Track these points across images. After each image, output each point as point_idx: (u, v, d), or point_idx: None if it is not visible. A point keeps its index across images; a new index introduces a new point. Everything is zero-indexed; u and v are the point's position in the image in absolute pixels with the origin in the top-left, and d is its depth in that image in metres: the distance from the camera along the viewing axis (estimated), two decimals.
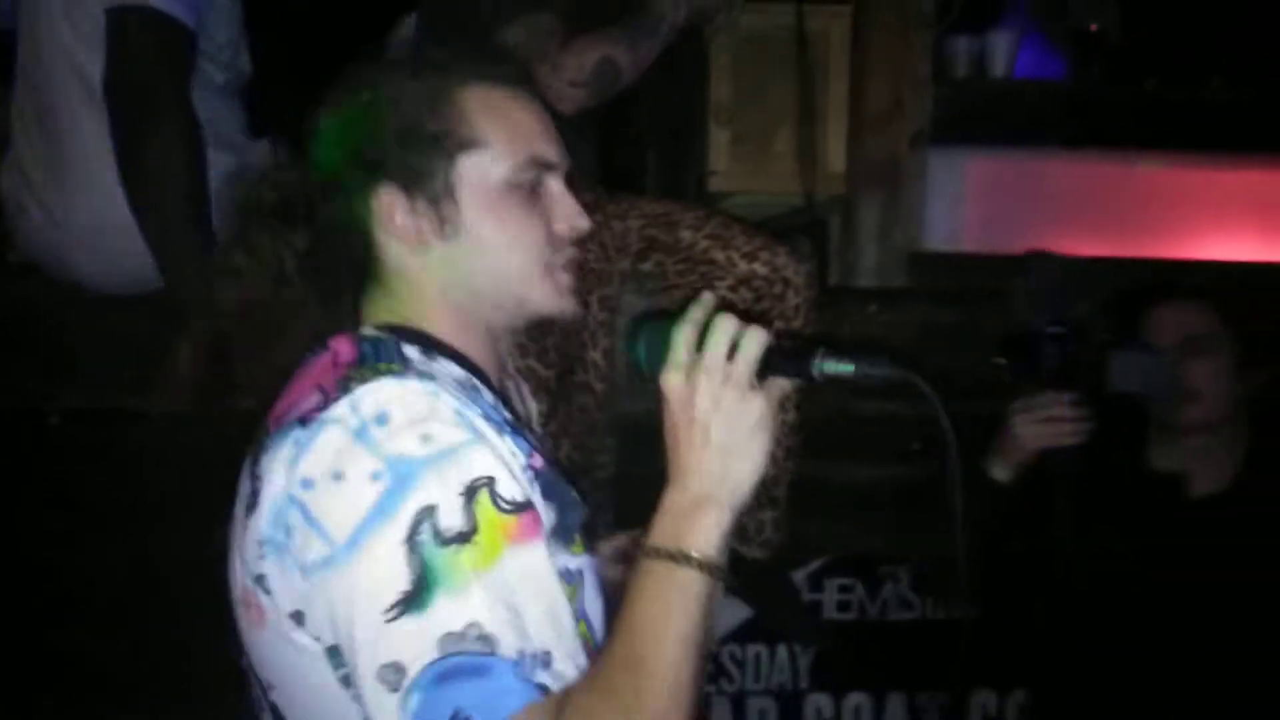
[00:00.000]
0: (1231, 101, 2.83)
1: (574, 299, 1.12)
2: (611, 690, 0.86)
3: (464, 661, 0.82)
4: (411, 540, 0.83)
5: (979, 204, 2.61)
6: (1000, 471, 1.81)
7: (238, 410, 1.95)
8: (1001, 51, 2.58)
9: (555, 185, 1.09)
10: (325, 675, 0.90)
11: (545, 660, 0.86)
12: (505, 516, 0.88)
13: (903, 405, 2.29)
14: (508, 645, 0.83)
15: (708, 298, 1.02)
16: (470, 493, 0.86)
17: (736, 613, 2.35)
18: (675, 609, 0.90)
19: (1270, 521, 1.80)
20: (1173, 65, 2.84)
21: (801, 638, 2.40)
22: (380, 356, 0.96)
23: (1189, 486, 1.88)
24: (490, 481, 0.88)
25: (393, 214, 1.03)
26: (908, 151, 2.43)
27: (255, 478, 0.95)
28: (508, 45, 1.85)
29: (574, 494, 1.00)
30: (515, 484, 0.90)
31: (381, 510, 0.84)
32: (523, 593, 0.87)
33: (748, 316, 1.05)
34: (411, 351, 0.99)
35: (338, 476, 0.86)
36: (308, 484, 0.87)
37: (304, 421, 0.91)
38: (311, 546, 0.86)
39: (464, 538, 0.84)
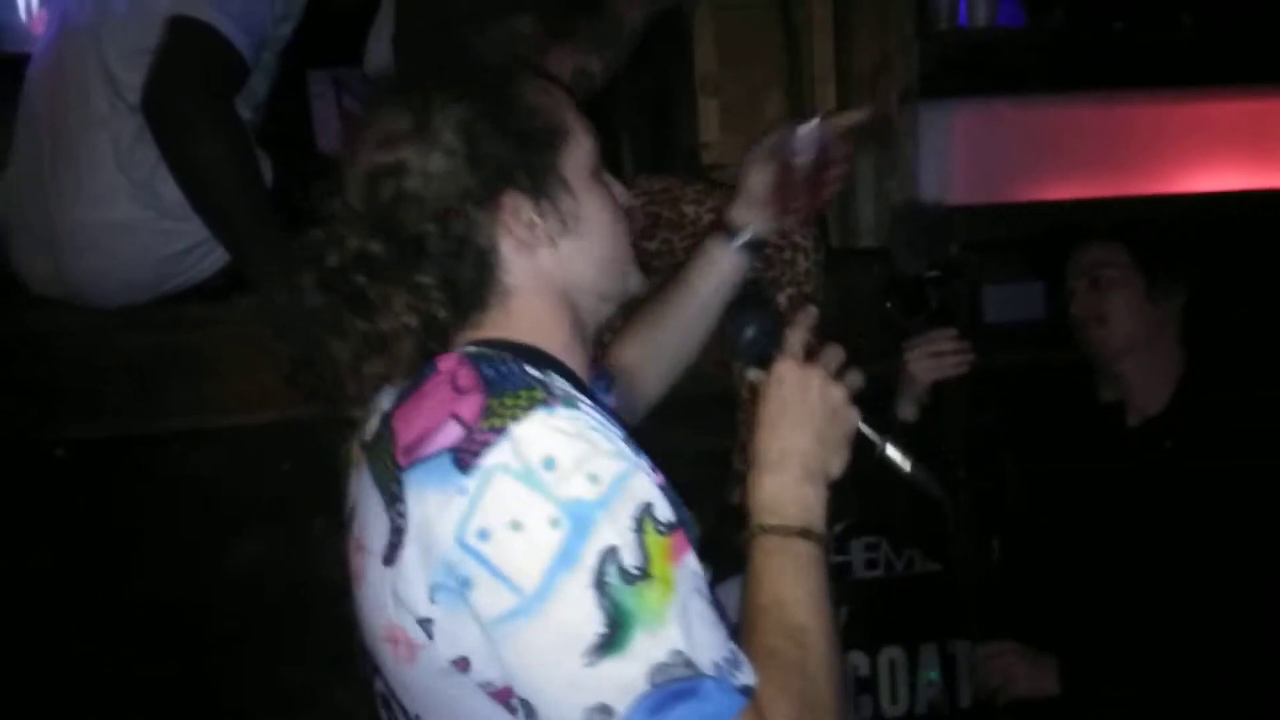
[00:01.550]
0: (1203, 39, 2.77)
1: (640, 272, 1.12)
2: (788, 664, 0.91)
3: (676, 688, 0.83)
4: (600, 584, 0.83)
5: (967, 156, 2.54)
6: (906, 412, 1.94)
7: (250, 427, 1.92)
8: (982, 2, 2.50)
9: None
10: (496, 714, 0.90)
11: (734, 661, 0.88)
12: (664, 538, 0.88)
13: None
14: (705, 662, 0.85)
15: (812, 312, 1.12)
16: (639, 524, 0.86)
17: None
18: (810, 578, 0.96)
19: (1203, 439, 1.86)
20: (1141, 7, 2.77)
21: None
22: (507, 381, 0.92)
23: (1126, 414, 1.98)
24: (649, 507, 0.88)
25: (517, 219, 1.00)
26: (898, 108, 2.34)
27: (398, 515, 0.90)
28: (488, 50, 1.82)
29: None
30: (666, 503, 0.90)
31: (565, 556, 0.83)
32: (694, 606, 0.87)
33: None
34: (531, 371, 0.95)
35: (516, 526, 0.84)
36: (484, 535, 0.85)
37: (461, 465, 0.87)
38: (498, 597, 0.84)
39: (644, 572, 0.84)
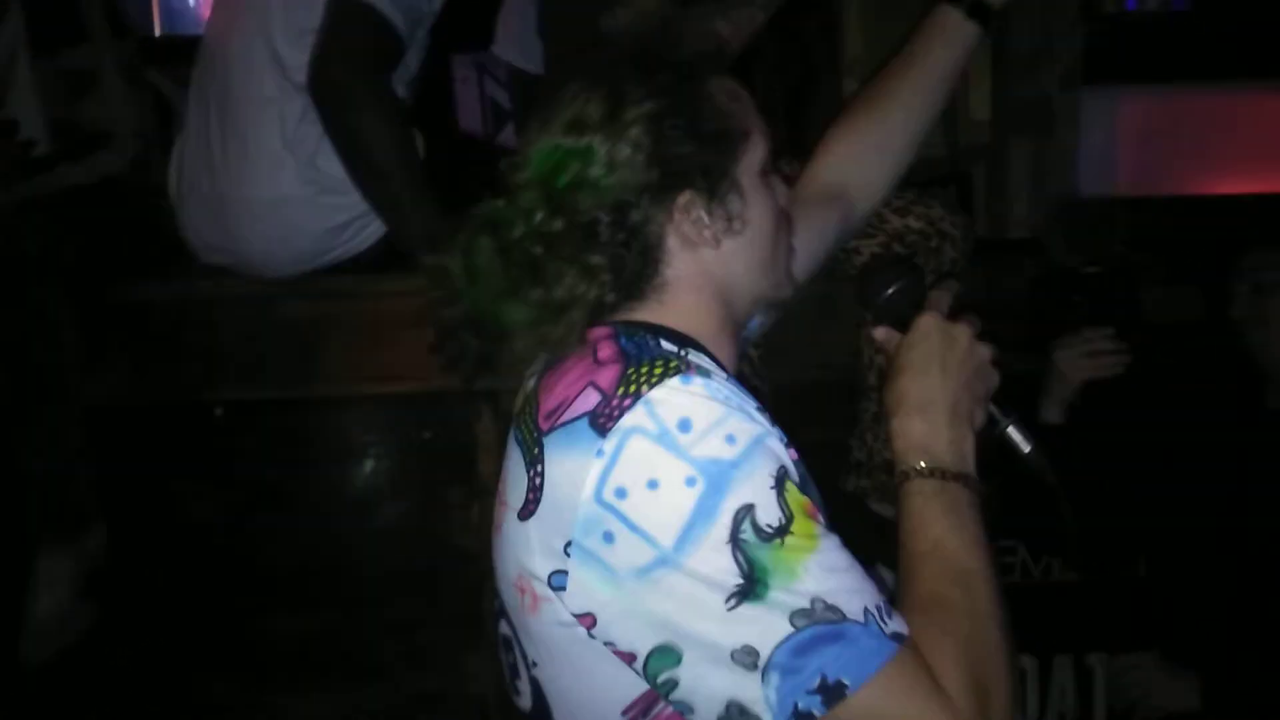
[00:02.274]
0: None
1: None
2: (954, 609, 0.88)
3: (820, 630, 0.82)
4: (735, 540, 0.83)
5: (1132, 146, 2.38)
6: (1051, 413, 1.84)
7: (397, 396, 1.96)
8: None
9: None
10: (619, 673, 0.90)
11: (885, 610, 0.86)
12: (806, 499, 0.88)
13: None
14: (853, 609, 0.83)
15: (954, 285, 1.08)
16: (779, 483, 0.86)
17: (891, 576, 2.21)
18: (967, 519, 0.93)
19: None
20: None
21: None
22: (644, 352, 0.94)
23: None
24: (787, 469, 0.88)
25: (688, 217, 1.00)
26: (1058, 94, 2.20)
27: (537, 474, 0.93)
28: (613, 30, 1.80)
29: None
30: (797, 469, 0.90)
31: (701, 513, 0.83)
32: (838, 559, 0.86)
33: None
34: (668, 345, 0.97)
35: (653, 485, 0.85)
36: (622, 493, 0.86)
37: (600, 428, 0.88)
38: (638, 551, 0.85)
39: (783, 529, 0.84)
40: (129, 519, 1.99)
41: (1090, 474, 1.64)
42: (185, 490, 2.00)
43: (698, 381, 0.89)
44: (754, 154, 1.04)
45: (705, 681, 0.84)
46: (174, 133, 2.21)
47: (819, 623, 0.82)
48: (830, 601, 0.82)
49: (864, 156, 1.34)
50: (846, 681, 0.81)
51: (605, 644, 0.89)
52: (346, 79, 1.87)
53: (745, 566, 0.82)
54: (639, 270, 0.99)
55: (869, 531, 2.10)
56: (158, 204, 2.14)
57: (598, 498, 0.86)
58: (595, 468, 0.87)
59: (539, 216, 0.97)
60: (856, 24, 2.23)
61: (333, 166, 1.96)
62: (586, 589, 0.88)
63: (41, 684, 1.89)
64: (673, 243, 1.00)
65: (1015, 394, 1.06)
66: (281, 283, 2.08)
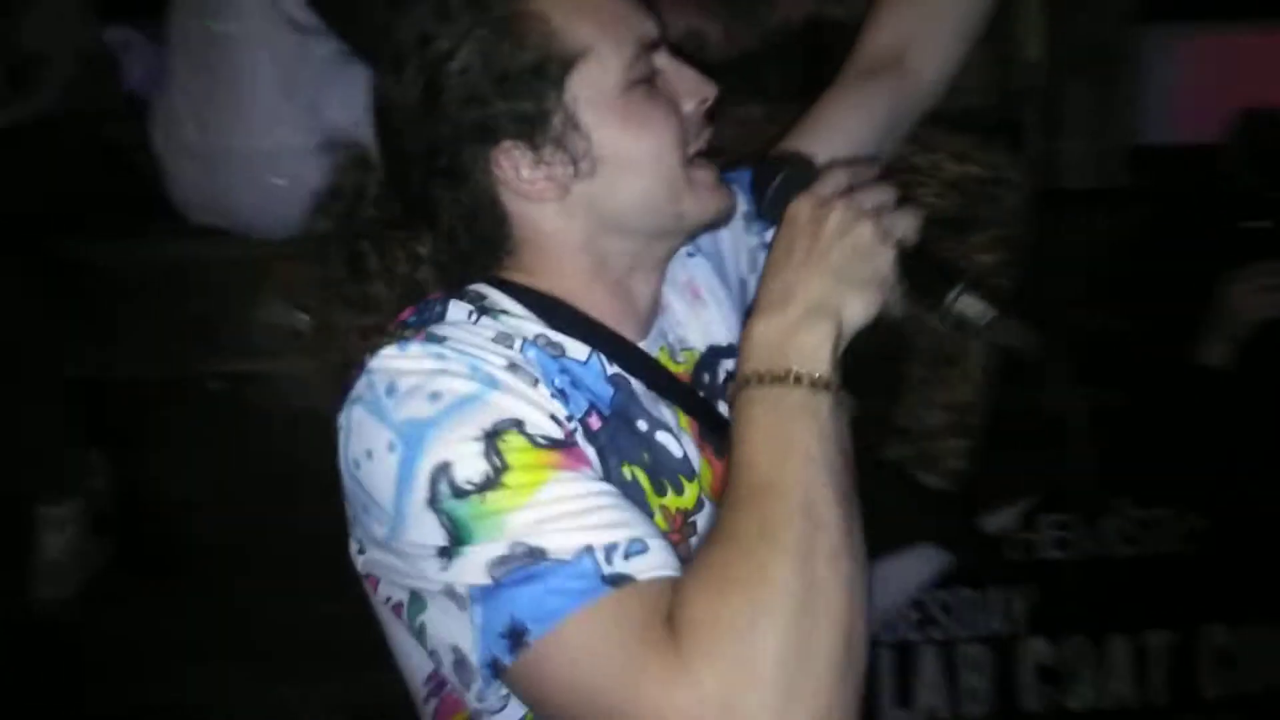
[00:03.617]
0: None
1: (728, 192, 0.92)
2: (734, 535, 0.74)
3: (516, 573, 0.74)
4: (433, 502, 0.76)
5: (1195, 88, 2.13)
6: (1215, 354, 1.61)
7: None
8: None
9: (664, 60, 0.90)
10: (408, 638, 0.84)
11: (627, 549, 0.74)
12: (544, 450, 0.78)
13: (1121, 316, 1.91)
14: (564, 548, 0.73)
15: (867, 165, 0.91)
16: (491, 437, 0.77)
17: (942, 556, 2.02)
18: (795, 428, 0.77)
19: None
20: None
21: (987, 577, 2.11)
22: (422, 317, 0.85)
23: None
24: (518, 423, 0.78)
25: (520, 173, 0.86)
26: (1120, 32, 1.96)
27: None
28: None
29: (675, 454, 0.89)
30: (552, 425, 0.79)
31: (404, 478, 0.77)
32: (580, 502, 0.76)
33: (958, 224, 1.05)
34: (457, 311, 0.86)
35: (369, 455, 0.80)
36: (356, 465, 0.81)
37: (345, 404, 0.83)
38: (378, 521, 0.81)
39: (488, 483, 0.75)
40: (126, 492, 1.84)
41: (1262, 427, 1.44)
42: (175, 469, 1.80)
43: (415, 346, 0.81)
44: (601, 72, 0.85)
45: (438, 627, 0.79)
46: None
47: (517, 567, 0.73)
48: (534, 544, 0.73)
49: (924, 14, 1.13)
50: (528, 625, 0.72)
51: (387, 602, 0.84)
52: None
53: (449, 526, 0.75)
54: (483, 237, 0.89)
55: (912, 504, 1.96)
56: (120, 149, 1.92)
57: (347, 471, 0.83)
58: (341, 443, 0.83)
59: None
60: None
61: (335, 112, 1.75)
62: (368, 553, 0.84)
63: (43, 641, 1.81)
64: (510, 200, 0.87)
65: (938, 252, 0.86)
66: (280, 244, 1.86)
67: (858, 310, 0.82)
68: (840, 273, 0.82)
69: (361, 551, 0.85)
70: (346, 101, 1.74)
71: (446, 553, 0.75)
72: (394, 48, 0.86)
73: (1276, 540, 1.77)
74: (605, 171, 0.86)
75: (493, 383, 0.79)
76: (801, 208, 0.85)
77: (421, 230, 0.90)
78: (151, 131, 1.94)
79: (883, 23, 1.13)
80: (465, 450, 0.76)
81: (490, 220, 0.87)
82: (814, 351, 0.80)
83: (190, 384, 1.83)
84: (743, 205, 1.00)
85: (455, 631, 0.77)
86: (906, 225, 0.85)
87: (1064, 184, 2.08)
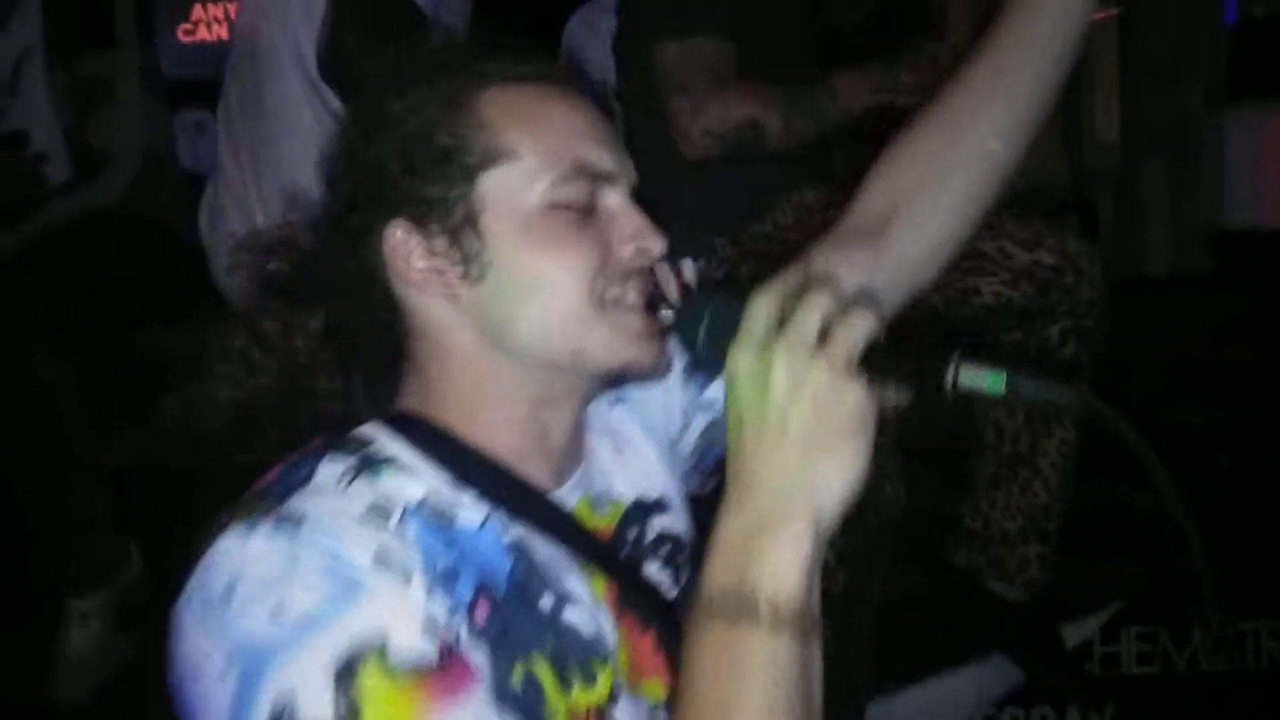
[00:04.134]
0: None
1: (652, 345, 0.80)
2: None
3: None
4: None
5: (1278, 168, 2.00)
6: None
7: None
8: None
9: (614, 199, 0.81)
10: None
11: None
12: (408, 683, 0.66)
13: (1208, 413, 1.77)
14: None
15: (796, 271, 0.78)
16: (343, 672, 0.65)
17: (1013, 670, 1.88)
18: (750, 678, 0.67)
19: None
20: None
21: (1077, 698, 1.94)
22: (284, 485, 0.72)
23: None
24: (379, 648, 0.66)
25: (407, 257, 0.78)
26: (1201, 110, 1.84)
27: None
28: (667, 63, 1.55)
29: (600, 625, 0.79)
30: (422, 636, 0.68)
31: (237, 714, 0.65)
32: None
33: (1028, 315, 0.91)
34: (329, 472, 0.74)
35: (194, 677, 0.67)
36: (183, 678, 0.68)
37: (183, 590, 0.69)
38: None
39: None
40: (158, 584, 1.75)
41: None
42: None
43: (261, 535, 0.68)
44: (515, 184, 0.79)
45: None
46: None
47: None
48: None
49: (924, 178, 0.95)
50: None
51: None
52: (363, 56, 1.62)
53: None
54: (373, 322, 0.79)
55: (982, 617, 1.81)
56: (174, 239, 1.90)
57: (173, 674, 0.69)
58: (171, 636, 0.69)
59: (273, 264, 0.82)
60: (964, 20, 1.89)
61: None
62: None
63: None
64: (397, 287, 0.78)
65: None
66: None
67: (835, 487, 0.70)
68: (804, 443, 0.70)
69: None
70: None
71: None
72: (352, 110, 0.83)
73: None
74: (495, 280, 0.78)
75: (352, 591, 0.68)
76: (739, 364, 0.73)
77: (316, 301, 0.83)
78: (200, 216, 1.94)
79: (877, 178, 0.96)
80: (312, 686, 0.65)
81: (379, 302, 0.79)
82: (778, 570, 0.68)
83: (230, 472, 1.77)
84: (682, 357, 0.89)
85: None
86: (861, 328, 0.71)
87: (1143, 271, 1.95)
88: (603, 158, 0.81)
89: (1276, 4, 1.99)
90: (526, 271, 0.79)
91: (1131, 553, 1.97)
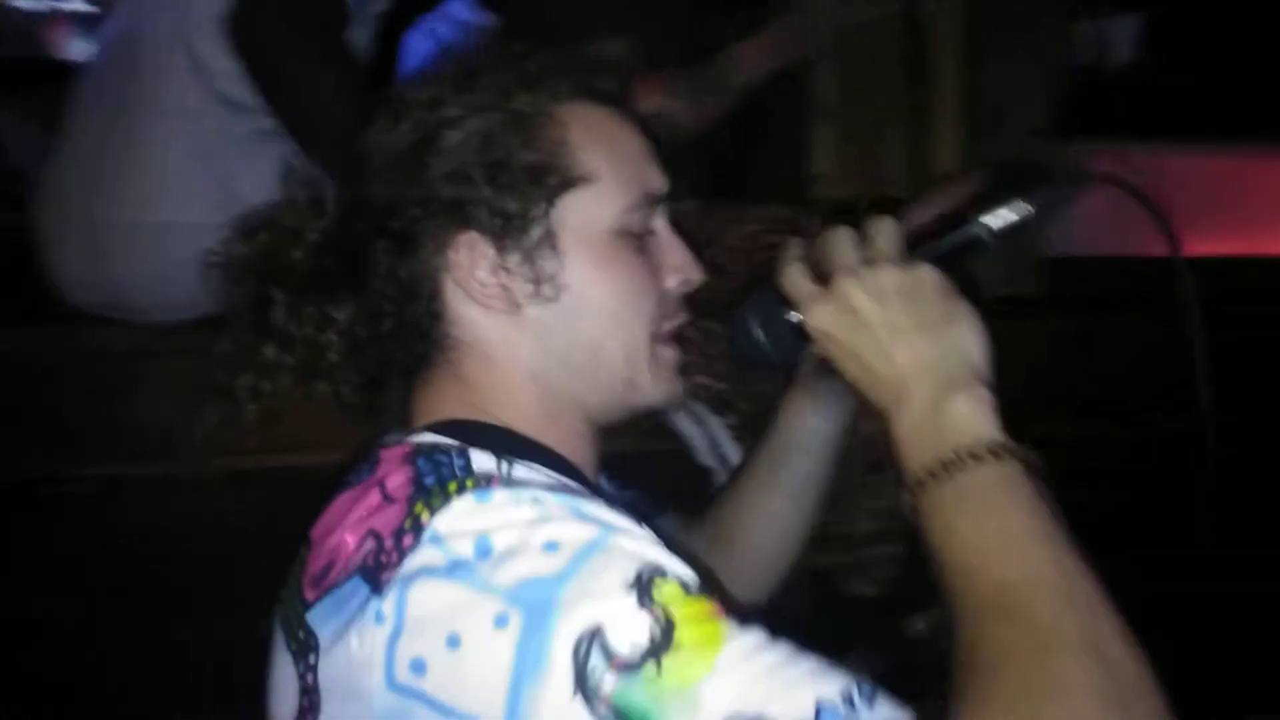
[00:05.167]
0: None
1: (680, 383, 0.83)
2: (1004, 652, 0.59)
3: None
4: (584, 686, 0.56)
5: (1099, 204, 2.16)
6: None
7: (296, 468, 1.56)
8: (1124, 38, 2.13)
9: (663, 227, 0.83)
10: None
11: (868, 692, 0.60)
12: (699, 597, 0.62)
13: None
14: (796, 709, 0.57)
15: (794, 242, 0.80)
16: (643, 584, 0.59)
17: (876, 661, 1.90)
18: (1003, 511, 0.64)
19: None
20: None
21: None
22: (444, 475, 0.68)
23: None
24: (658, 568, 0.61)
25: (475, 270, 0.76)
26: (1034, 147, 1.96)
27: (307, 670, 0.65)
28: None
29: None
30: (685, 566, 0.64)
31: (526, 663, 0.57)
32: (768, 652, 0.60)
33: None
34: (484, 461, 0.70)
35: (454, 642, 0.59)
36: (420, 666, 0.60)
37: (375, 583, 0.63)
38: None
39: (658, 646, 0.57)
40: None
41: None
42: (22, 585, 1.52)
43: (500, 493, 0.65)
44: (597, 206, 0.77)
45: None
46: None
47: None
48: (754, 714, 0.56)
49: (761, 511, 1.05)
50: None
51: None
52: (281, 35, 1.51)
53: (613, 716, 0.57)
54: (410, 323, 0.77)
55: (835, 612, 1.85)
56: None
57: (390, 681, 0.61)
58: (379, 639, 0.62)
59: (309, 238, 0.79)
60: (833, 66, 1.94)
61: (251, 190, 1.59)
62: None
63: None
64: (454, 295, 0.76)
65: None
66: (158, 331, 1.67)
67: (972, 342, 0.71)
68: (921, 328, 0.70)
69: None
70: (259, 180, 1.59)
71: None
72: (401, 104, 0.77)
73: None
74: (567, 303, 0.76)
75: (610, 526, 0.63)
76: (820, 319, 0.73)
77: (343, 295, 0.78)
78: (33, 207, 1.74)
79: (729, 491, 1.05)
80: (617, 606, 0.59)
81: (425, 307, 0.75)
82: (971, 418, 0.67)
83: (51, 488, 1.57)
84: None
85: None
86: (887, 226, 0.74)
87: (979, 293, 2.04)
88: (659, 181, 0.81)
89: (1103, 56, 2.16)
90: (597, 297, 0.76)
91: None
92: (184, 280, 1.62)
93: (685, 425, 1.57)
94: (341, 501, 0.72)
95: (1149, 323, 1.96)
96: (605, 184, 0.78)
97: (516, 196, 0.74)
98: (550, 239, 0.75)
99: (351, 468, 0.79)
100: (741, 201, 1.73)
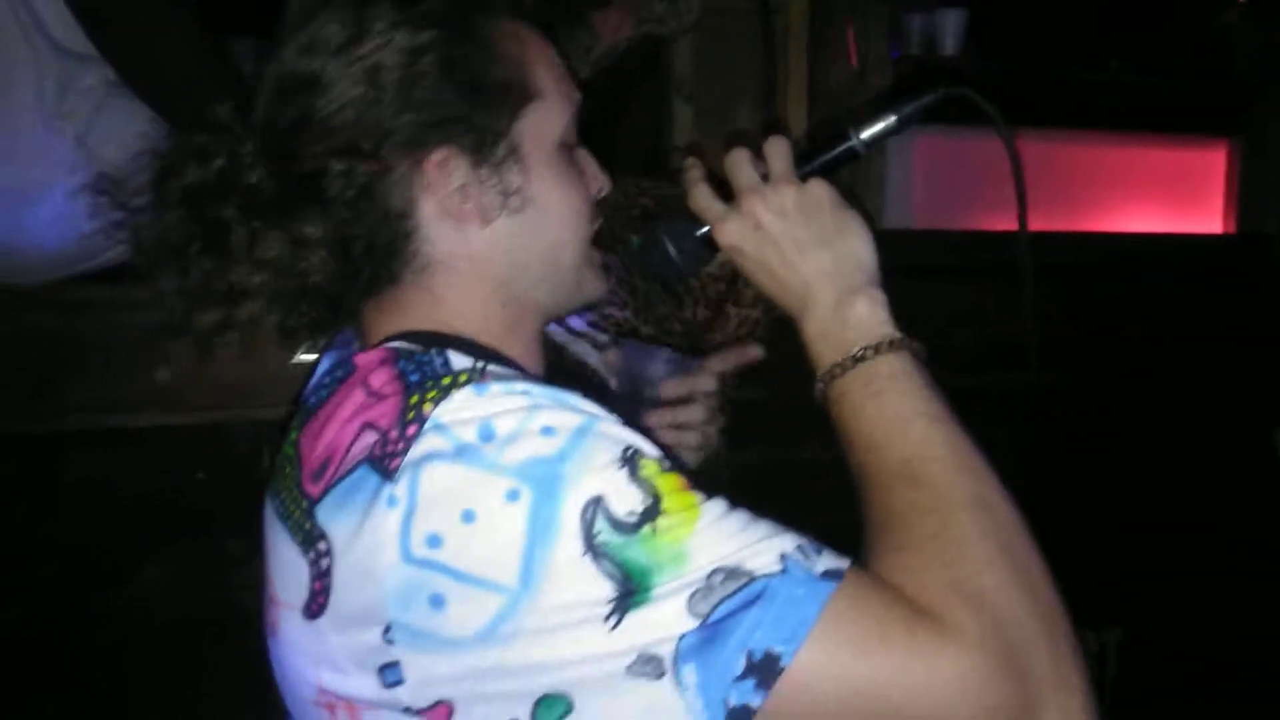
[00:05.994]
0: (1133, 83, 2.70)
1: (607, 278, 0.89)
2: (909, 510, 0.69)
3: (729, 603, 0.63)
4: (592, 545, 0.63)
5: (926, 182, 2.34)
6: None
7: (162, 429, 1.53)
8: (952, 29, 2.28)
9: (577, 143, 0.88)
10: None
11: (813, 546, 0.67)
12: (674, 472, 0.68)
13: None
14: (764, 563, 0.65)
15: (692, 162, 0.87)
16: (629, 461, 0.66)
17: None
18: (900, 397, 0.73)
19: None
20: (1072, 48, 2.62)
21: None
22: (427, 373, 0.71)
23: None
24: (636, 449, 0.68)
25: (448, 185, 0.77)
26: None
27: (319, 556, 0.68)
28: None
29: None
30: (656, 448, 0.70)
31: (539, 530, 0.63)
32: (736, 520, 0.67)
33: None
34: (462, 361, 0.73)
35: (469, 516, 0.64)
36: (435, 540, 0.64)
37: (384, 470, 0.66)
38: (479, 605, 0.63)
39: (651, 511, 0.65)
40: None
41: None
42: None
43: (495, 386, 0.69)
44: (547, 120, 0.82)
45: (610, 718, 0.63)
46: None
47: (726, 597, 0.63)
48: (733, 566, 0.64)
49: None
50: (778, 649, 0.62)
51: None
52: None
53: (616, 573, 0.63)
54: (380, 246, 0.77)
55: None
56: None
57: (406, 556, 0.65)
58: (392, 520, 0.65)
59: (243, 159, 0.75)
60: (688, 43, 2.01)
61: (112, 151, 1.52)
62: (428, 675, 0.65)
63: None
64: (428, 214, 0.77)
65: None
66: (19, 292, 1.58)
67: (863, 249, 0.79)
68: (819, 239, 0.78)
69: (398, 682, 0.66)
70: (114, 134, 1.52)
71: (621, 605, 0.63)
72: (351, 22, 0.75)
73: None
74: (530, 214, 0.80)
75: (591, 413, 0.69)
76: (728, 235, 0.81)
77: (310, 217, 0.75)
78: None
79: None
80: (613, 479, 0.65)
81: (397, 226, 0.76)
82: (869, 317, 0.76)
83: None
84: None
85: (642, 710, 0.62)
86: (779, 146, 0.82)
87: None
88: (579, 99, 0.85)
89: (931, 47, 2.32)
90: (557, 206, 0.81)
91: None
92: (45, 243, 1.56)
93: (588, 353, 1.59)
94: (325, 408, 0.74)
95: (966, 290, 2.14)
96: (550, 98, 0.82)
97: (490, 112, 0.77)
98: (515, 153, 0.79)
99: (309, 386, 0.81)
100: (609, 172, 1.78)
